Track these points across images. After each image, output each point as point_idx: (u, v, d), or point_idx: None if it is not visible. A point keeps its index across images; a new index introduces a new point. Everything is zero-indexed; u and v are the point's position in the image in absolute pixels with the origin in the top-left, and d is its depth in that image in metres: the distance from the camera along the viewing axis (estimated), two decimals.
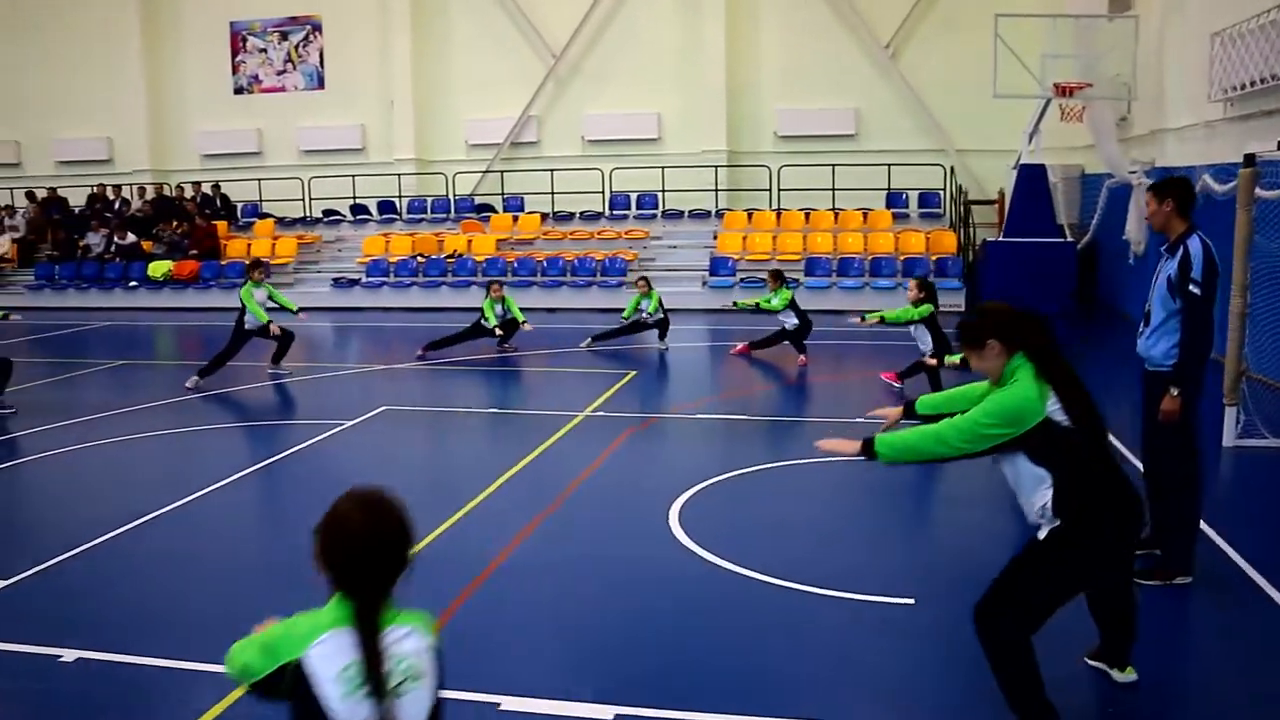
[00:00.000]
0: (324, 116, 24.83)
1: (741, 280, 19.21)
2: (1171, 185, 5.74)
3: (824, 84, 22.09)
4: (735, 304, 14.94)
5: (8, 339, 15.49)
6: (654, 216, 22.38)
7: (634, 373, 12.96)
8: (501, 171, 23.92)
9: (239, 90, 25.30)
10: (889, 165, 21.22)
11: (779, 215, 21.34)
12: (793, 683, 4.74)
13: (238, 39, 25.07)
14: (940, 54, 21.24)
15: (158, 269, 21.50)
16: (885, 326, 11.44)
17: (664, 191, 22.48)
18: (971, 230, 20.44)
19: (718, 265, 19.79)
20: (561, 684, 4.75)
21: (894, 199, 21.19)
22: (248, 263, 14.26)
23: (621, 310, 15.53)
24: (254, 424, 10.72)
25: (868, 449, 3.80)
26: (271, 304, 13.22)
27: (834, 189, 21.47)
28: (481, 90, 23.88)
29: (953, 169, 21.14)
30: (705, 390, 12.73)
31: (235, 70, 25.22)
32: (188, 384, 12.27)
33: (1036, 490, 3.90)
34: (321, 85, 24.94)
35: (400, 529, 2.37)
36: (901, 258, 19.26)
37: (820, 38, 22.02)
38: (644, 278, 15.42)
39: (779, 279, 13.80)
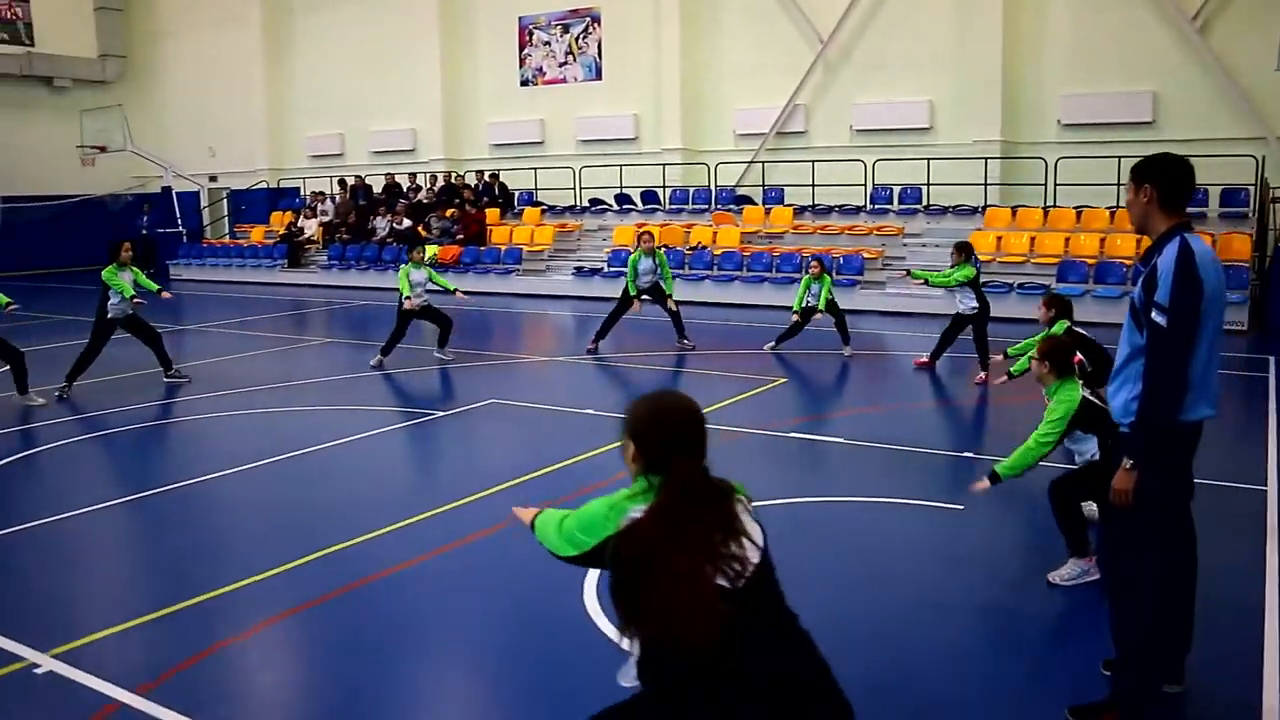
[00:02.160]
0: (600, 106, 25.30)
1: (984, 285, 17.23)
2: (1153, 167, 4.06)
3: (1116, 65, 19.37)
4: (909, 273, 13.05)
5: (262, 313, 17.04)
6: (915, 212, 20.76)
7: (782, 380, 11.97)
8: (764, 162, 23.22)
9: (524, 82, 26.38)
10: (1189, 157, 18.17)
11: (1046, 213, 19.02)
12: None
13: (524, 33, 26.12)
14: (1262, 24, 17.90)
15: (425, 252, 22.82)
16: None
17: (929, 185, 20.78)
18: (1273, 232, 17.17)
19: None
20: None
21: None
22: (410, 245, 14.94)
23: (841, 312, 13.83)
24: (361, 408, 10.68)
25: (532, 527, 3.11)
26: (433, 285, 13.60)
27: (1119, 184, 18.79)
28: (749, 79, 23.27)
29: (1264, 159, 17.80)
30: (832, 405, 11.47)
31: (522, 63, 26.31)
32: (371, 362, 12.98)
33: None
34: (599, 76, 25.42)
35: None
36: None
37: (1113, 12, 19.31)
38: (818, 259, 14.13)
39: (963, 252, 12.07)
